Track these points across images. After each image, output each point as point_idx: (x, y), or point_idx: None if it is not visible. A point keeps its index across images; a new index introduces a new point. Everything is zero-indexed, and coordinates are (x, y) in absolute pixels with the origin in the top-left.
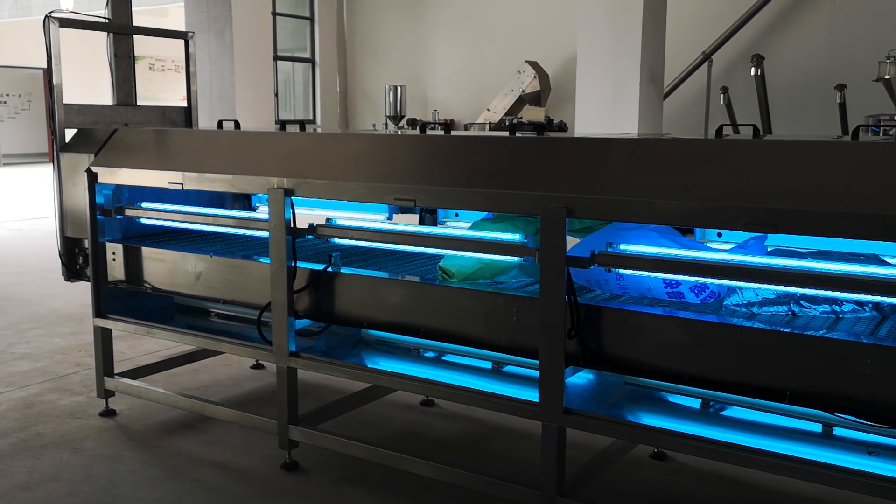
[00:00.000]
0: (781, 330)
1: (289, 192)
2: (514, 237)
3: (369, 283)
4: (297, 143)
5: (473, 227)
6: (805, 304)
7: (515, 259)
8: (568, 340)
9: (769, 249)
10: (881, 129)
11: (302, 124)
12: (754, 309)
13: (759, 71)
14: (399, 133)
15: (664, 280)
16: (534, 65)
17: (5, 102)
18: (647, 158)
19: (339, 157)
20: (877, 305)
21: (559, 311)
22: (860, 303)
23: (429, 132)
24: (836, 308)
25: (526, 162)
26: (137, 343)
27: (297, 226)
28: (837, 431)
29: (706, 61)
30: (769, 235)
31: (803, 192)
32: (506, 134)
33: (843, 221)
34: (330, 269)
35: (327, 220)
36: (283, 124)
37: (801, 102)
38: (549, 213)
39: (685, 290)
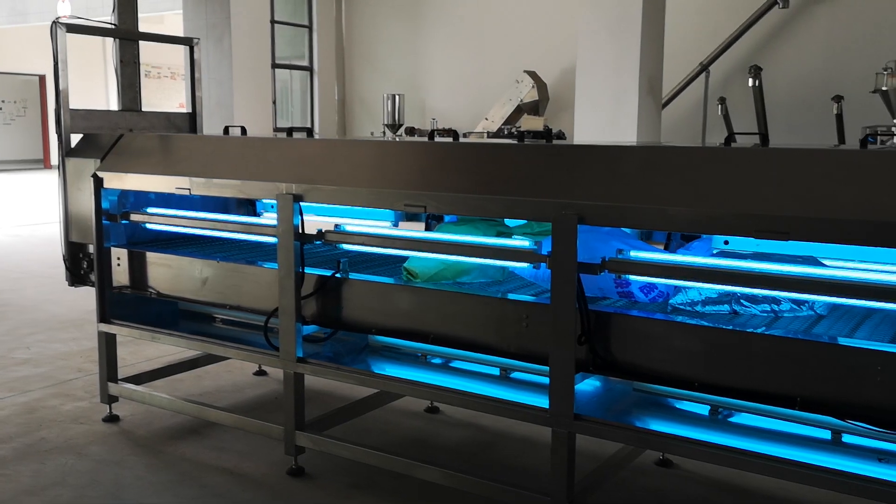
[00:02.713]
0: (794, 337)
1: (298, 198)
2: (525, 244)
3: (378, 289)
4: (307, 148)
5: (438, 229)
6: (745, 303)
7: (475, 261)
8: (577, 347)
9: (714, 252)
10: (878, 140)
11: (298, 131)
12: (698, 308)
13: (758, 82)
14: (409, 140)
15: (615, 280)
16: (532, 74)
17: (1, 109)
18: (660, 166)
19: (348, 163)
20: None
21: (570, 318)
22: (798, 302)
23: (437, 139)
24: (775, 307)
25: (537, 169)
26: (138, 349)
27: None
28: (846, 438)
29: (703, 72)
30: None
31: (815, 200)
32: (514, 141)
33: (854, 229)
34: (339, 275)
35: (336, 226)
36: (289, 131)
37: (798, 113)
38: (560, 220)
39: (635, 290)
